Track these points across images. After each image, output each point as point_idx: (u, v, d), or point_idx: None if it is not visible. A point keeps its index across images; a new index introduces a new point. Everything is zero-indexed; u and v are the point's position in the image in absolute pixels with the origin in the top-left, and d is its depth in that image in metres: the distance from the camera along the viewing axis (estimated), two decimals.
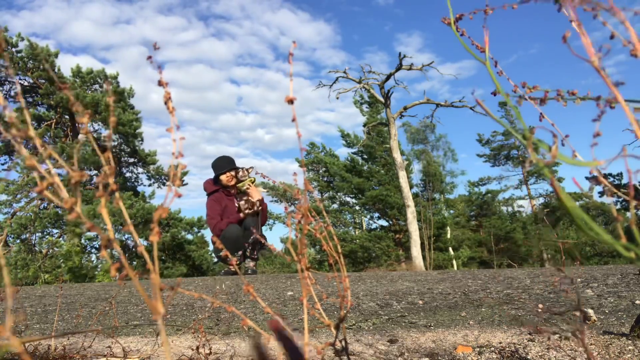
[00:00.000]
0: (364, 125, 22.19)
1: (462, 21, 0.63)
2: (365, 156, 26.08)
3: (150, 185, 19.97)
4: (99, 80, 18.79)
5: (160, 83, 0.46)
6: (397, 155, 14.64)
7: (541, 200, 30.49)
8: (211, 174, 5.36)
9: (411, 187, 21.02)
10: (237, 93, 54.66)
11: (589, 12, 0.42)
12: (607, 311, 1.89)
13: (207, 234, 19.88)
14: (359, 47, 56.12)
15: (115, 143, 18.83)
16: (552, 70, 52.29)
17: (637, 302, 2.02)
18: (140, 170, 20.08)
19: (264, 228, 5.51)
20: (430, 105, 14.82)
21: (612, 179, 22.57)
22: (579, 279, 2.66)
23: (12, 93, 18.23)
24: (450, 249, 25.02)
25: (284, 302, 2.69)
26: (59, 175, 0.39)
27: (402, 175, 14.39)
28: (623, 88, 0.46)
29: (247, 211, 5.08)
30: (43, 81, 17.84)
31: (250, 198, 5.11)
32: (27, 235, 16.60)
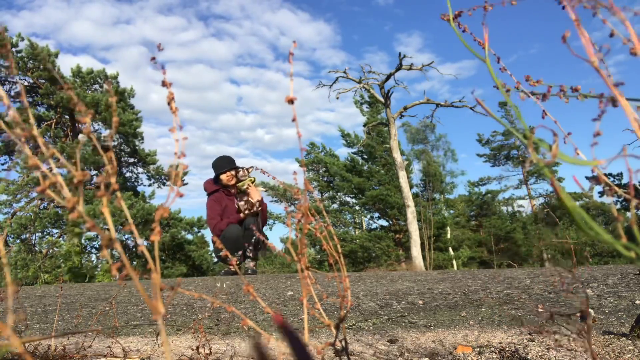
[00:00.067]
0: (364, 125, 22.19)
1: (461, 19, 0.63)
2: (365, 156, 26.08)
3: (150, 185, 19.97)
4: (99, 80, 18.79)
5: (164, 84, 0.46)
6: (397, 155, 14.64)
7: (541, 200, 30.50)
8: (211, 174, 5.36)
9: (411, 187, 21.02)
10: (237, 93, 54.66)
11: (588, 10, 0.42)
12: (607, 311, 1.89)
13: (207, 234, 19.90)
14: (359, 47, 56.12)
15: (116, 143, 18.83)
16: (552, 70, 52.29)
17: (637, 302, 2.02)
18: (140, 170, 20.08)
19: (264, 228, 5.51)
20: (430, 105, 14.82)
21: (612, 179, 22.58)
22: (580, 279, 2.66)
23: (12, 93, 18.23)
24: (450, 249, 25.02)
25: (284, 302, 2.69)
26: (61, 174, 0.39)
27: (402, 175, 14.39)
28: (622, 88, 0.46)
29: (246, 212, 5.08)
30: (43, 81, 17.84)
31: (249, 198, 5.11)
32: (27, 235, 16.60)
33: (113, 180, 0.38)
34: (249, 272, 5.10)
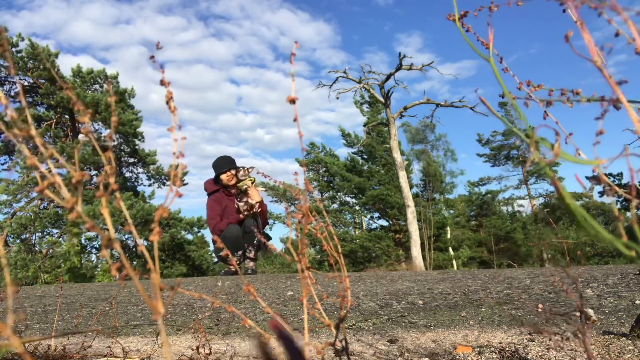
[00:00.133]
0: (364, 125, 22.19)
1: (465, 19, 0.63)
2: (365, 156, 26.08)
3: (150, 185, 19.98)
4: (99, 80, 18.79)
5: (162, 83, 0.46)
6: (397, 155, 14.64)
7: (541, 200, 30.51)
8: (211, 174, 5.36)
9: (411, 187, 21.03)
10: (237, 93, 54.66)
11: (592, 10, 0.42)
12: (607, 311, 1.89)
13: (207, 234, 19.91)
14: (359, 47, 56.13)
15: (115, 143, 18.83)
16: (552, 70, 52.30)
17: (637, 302, 2.02)
18: (140, 170, 20.09)
19: (266, 228, 5.51)
20: (430, 105, 14.82)
21: (612, 179, 22.58)
22: (580, 279, 2.66)
23: (12, 93, 18.23)
24: (450, 249, 25.02)
25: (284, 302, 2.69)
26: (60, 175, 0.39)
27: (402, 175, 14.39)
28: (624, 87, 0.46)
29: (245, 212, 5.08)
30: (43, 81, 17.84)
31: (249, 200, 5.11)
32: (27, 235, 16.60)
33: (112, 180, 0.38)
34: (249, 272, 5.09)
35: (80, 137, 18.63)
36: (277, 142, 51.60)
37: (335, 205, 26.16)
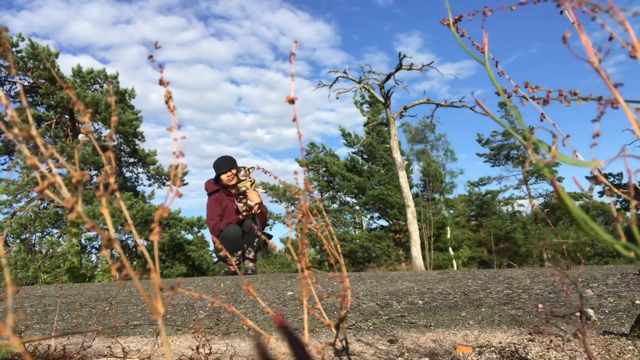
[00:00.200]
0: (365, 125, 22.19)
1: (461, 21, 0.63)
2: (365, 156, 26.08)
3: (150, 185, 19.97)
4: (99, 80, 18.79)
5: (161, 82, 0.46)
6: (397, 155, 14.64)
7: (541, 200, 30.51)
8: (211, 174, 5.36)
9: (411, 187, 21.03)
10: (236, 93, 54.67)
11: (588, 13, 0.42)
12: (607, 311, 1.89)
13: (207, 233, 19.90)
14: (359, 47, 56.12)
15: (115, 143, 18.82)
16: (551, 70, 52.30)
17: (637, 302, 2.02)
18: (140, 170, 20.08)
19: (266, 229, 5.50)
20: (430, 105, 14.81)
21: (612, 179, 22.59)
22: (580, 279, 2.66)
23: (12, 93, 18.22)
24: (450, 249, 25.01)
25: (284, 302, 2.69)
26: (60, 175, 0.39)
27: (402, 175, 14.39)
28: (622, 89, 0.46)
29: (244, 214, 5.08)
30: (43, 81, 17.84)
31: (248, 201, 5.10)
32: (27, 235, 16.60)
33: (112, 180, 0.38)
34: (249, 272, 5.10)
35: (80, 137, 18.64)
36: (277, 142, 51.62)
37: (335, 205, 26.16)
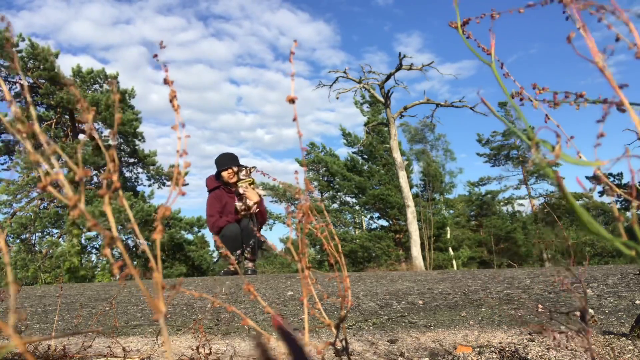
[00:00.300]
0: (365, 125, 22.18)
1: (468, 24, 0.63)
2: (365, 156, 26.08)
3: (150, 185, 19.96)
4: (99, 80, 18.79)
5: (165, 81, 0.46)
6: (397, 155, 14.64)
7: (541, 200, 30.51)
8: (212, 173, 5.35)
9: (411, 187, 21.02)
10: (236, 93, 54.72)
11: (593, 14, 0.42)
12: (607, 311, 1.89)
13: (207, 233, 19.90)
14: (359, 47, 56.16)
15: (116, 142, 18.78)
16: (551, 70, 52.33)
17: (637, 302, 2.02)
18: (140, 170, 20.08)
19: (263, 229, 5.50)
20: (430, 105, 14.81)
21: (612, 179, 22.58)
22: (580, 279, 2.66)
23: (13, 93, 18.20)
24: (450, 249, 25.01)
25: (284, 302, 2.69)
26: (62, 173, 0.39)
27: (402, 175, 14.39)
28: (624, 89, 0.46)
29: (242, 213, 5.07)
30: (43, 81, 17.83)
31: (247, 200, 5.10)
32: (27, 235, 16.59)
33: (115, 178, 0.38)
34: (249, 272, 5.09)
35: (81, 136, 18.64)
36: (277, 142, 51.63)
37: (335, 205, 26.15)
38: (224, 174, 5.15)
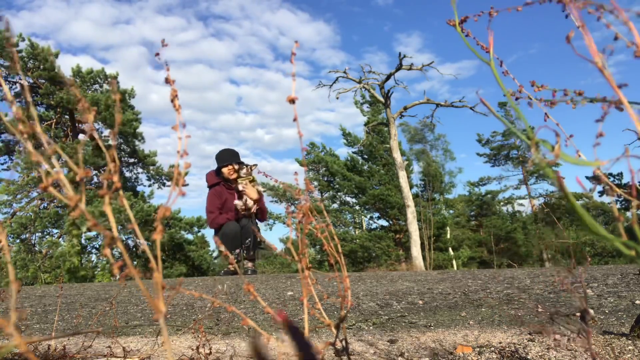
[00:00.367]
0: (365, 125, 22.19)
1: (466, 22, 0.63)
2: (365, 156, 26.07)
3: (150, 185, 19.95)
4: (99, 80, 18.79)
5: (167, 81, 0.46)
6: (397, 155, 14.64)
7: (541, 200, 30.51)
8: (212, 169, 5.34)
9: (411, 187, 21.02)
10: (236, 93, 54.75)
11: (592, 14, 0.43)
12: (607, 311, 1.89)
13: (207, 233, 19.89)
14: (359, 47, 56.18)
15: (115, 143, 18.77)
16: (551, 70, 52.34)
17: (637, 302, 2.02)
18: (140, 170, 20.07)
19: (263, 229, 5.51)
20: (430, 105, 14.82)
21: (612, 179, 22.58)
22: (580, 279, 2.66)
23: (13, 93, 18.18)
24: (450, 249, 25.00)
25: (284, 302, 2.69)
26: (62, 173, 0.39)
27: (402, 175, 14.39)
28: (624, 89, 0.46)
29: (242, 212, 5.07)
30: (43, 81, 17.83)
31: (247, 199, 5.09)
32: (27, 235, 16.59)
33: (116, 178, 0.38)
34: (249, 272, 5.09)
35: (81, 136, 18.64)
36: (277, 142, 51.64)
37: (335, 205, 26.15)
38: (224, 170, 5.12)
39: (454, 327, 1.85)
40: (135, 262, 17.02)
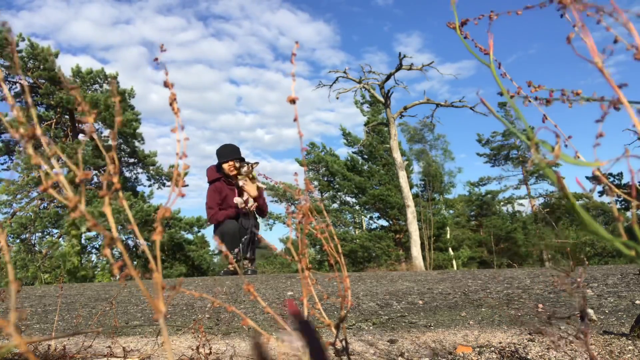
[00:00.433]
0: (365, 125, 22.20)
1: (466, 25, 0.63)
2: (365, 156, 26.08)
3: (149, 186, 19.96)
4: (98, 80, 18.80)
5: (166, 84, 0.46)
6: (397, 155, 14.64)
7: (541, 200, 30.51)
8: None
9: (411, 187, 21.02)
10: (236, 93, 54.74)
11: (592, 16, 0.43)
12: (607, 311, 1.89)
13: (207, 233, 19.89)
14: (359, 47, 56.17)
15: (115, 143, 18.77)
16: (551, 70, 52.34)
17: (637, 302, 2.02)
18: (139, 170, 20.08)
19: (262, 228, 5.51)
20: (430, 105, 14.82)
21: (612, 179, 22.58)
22: (580, 279, 2.66)
23: (12, 93, 18.18)
24: (450, 249, 25.01)
25: (284, 302, 2.69)
26: (62, 174, 0.39)
27: (402, 175, 14.39)
28: (624, 88, 0.46)
29: (241, 208, 5.06)
30: (43, 81, 17.83)
31: (248, 193, 5.08)
32: (27, 235, 16.59)
33: (115, 179, 0.38)
34: (249, 272, 5.09)
35: (81, 137, 18.64)
36: (277, 142, 51.64)
37: (335, 205, 26.15)
38: (225, 166, 5.11)
39: (454, 327, 1.85)
40: (135, 262, 17.02)
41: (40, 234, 17.18)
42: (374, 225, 26.53)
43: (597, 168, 0.45)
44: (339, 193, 25.87)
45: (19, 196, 16.86)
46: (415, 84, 49.55)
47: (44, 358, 1.54)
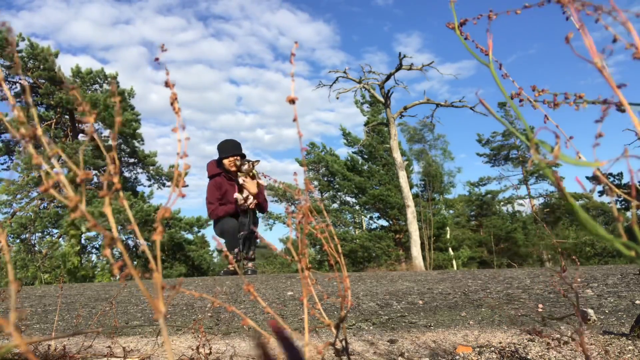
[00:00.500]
0: (365, 125, 22.20)
1: (465, 25, 0.63)
2: (365, 156, 26.07)
3: (149, 186, 19.96)
4: (98, 80, 18.79)
5: (167, 84, 0.46)
6: (397, 155, 14.64)
7: (541, 200, 30.51)
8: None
9: (411, 187, 21.01)
10: (236, 93, 54.80)
11: (591, 15, 0.43)
12: (607, 311, 1.89)
13: (207, 233, 19.90)
14: (359, 48, 56.21)
15: (115, 143, 18.78)
16: (551, 70, 52.36)
17: (637, 302, 2.02)
18: (139, 170, 20.08)
19: (261, 228, 5.52)
20: (430, 105, 14.82)
21: (612, 179, 22.58)
22: (579, 279, 2.66)
23: (12, 93, 18.14)
24: (450, 249, 25.01)
25: (284, 302, 2.69)
26: (63, 174, 0.39)
27: (402, 175, 14.39)
28: (623, 89, 0.46)
29: (242, 205, 5.06)
30: (43, 81, 17.83)
31: (248, 190, 5.08)
32: (27, 235, 16.59)
33: (116, 179, 0.38)
34: (249, 272, 5.09)
35: (81, 137, 18.64)
36: (277, 142, 51.67)
37: (335, 205, 26.15)
38: (226, 161, 5.10)
39: (454, 327, 1.85)
40: (135, 262, 17.02)
41: (40, 234, 17.18)
42: (374, 225, 26.54)
43: (597, 168, 0.45)
44: (339, 193, 25.86)
45: (19, 196, 16.86)
46: (415, 84, 49.55)
47: (44, 358, 1.54)
